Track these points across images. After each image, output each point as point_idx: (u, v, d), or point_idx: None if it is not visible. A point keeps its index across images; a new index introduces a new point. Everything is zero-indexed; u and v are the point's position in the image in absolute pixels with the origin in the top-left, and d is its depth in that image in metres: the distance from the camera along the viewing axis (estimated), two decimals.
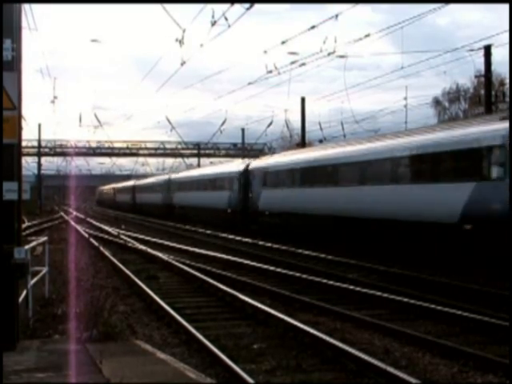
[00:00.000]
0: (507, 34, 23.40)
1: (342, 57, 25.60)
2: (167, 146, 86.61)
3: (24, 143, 39.84)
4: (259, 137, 58.10)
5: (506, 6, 11.51)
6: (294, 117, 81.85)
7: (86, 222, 42.18)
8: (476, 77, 34.71)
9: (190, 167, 61.14)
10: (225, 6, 15.19)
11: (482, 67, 27.69)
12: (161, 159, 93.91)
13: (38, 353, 7.49)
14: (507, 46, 24.77)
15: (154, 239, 26.39)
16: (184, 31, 18.24)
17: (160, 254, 19.49)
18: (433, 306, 10.35)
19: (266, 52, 22.03)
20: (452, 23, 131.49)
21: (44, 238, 12.03)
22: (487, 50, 26.08)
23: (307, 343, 8.33)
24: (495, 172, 14.74)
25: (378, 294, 11.71)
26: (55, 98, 39.72)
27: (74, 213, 57.76)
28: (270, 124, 50.42)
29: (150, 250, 20.91)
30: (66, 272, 15.17)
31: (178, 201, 46.58)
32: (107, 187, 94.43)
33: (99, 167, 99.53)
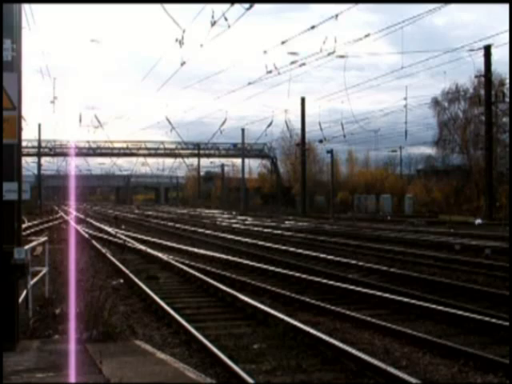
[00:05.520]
0: (504, 34, 23.42)
1: (341, 57, 25.68)
2: (167, 146, 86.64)
3: (24, 143, 39.74)
4: (259, 137, 58.14)
5: (505, 7, 11.53)
6: (291, 117, 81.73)
7: (85, 223, 42.16)
8: (476, 77, 34.70)
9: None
10: (225, 6, 15.25)
11: (480, 67, 27.74)
12: (160, 159, 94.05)
13: (38, 353, 7.49)
14: (505, 46, 24.80)
15: (153, 239, 26.38)
16: (184, 31, 18.30)
17: (160, 254, 19.49)
18: (433, 306, 10.34)
19: (265, 52, 22.07)
20: (449, 23, 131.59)
21: (44, 238, 12.03)
22: (487, 50, 26.10)
23: (307, 343, 8.32)
24: None
25: (378, 294, 11.70)
26: (55, 98, 39.72)
27: (74, 213, 57.70)
28: (270, 124, 50.48)
29: (149, 250, 20.90)
30: (65, 272, 15.15)
31: None
32: None
33: (99, 167, 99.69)
